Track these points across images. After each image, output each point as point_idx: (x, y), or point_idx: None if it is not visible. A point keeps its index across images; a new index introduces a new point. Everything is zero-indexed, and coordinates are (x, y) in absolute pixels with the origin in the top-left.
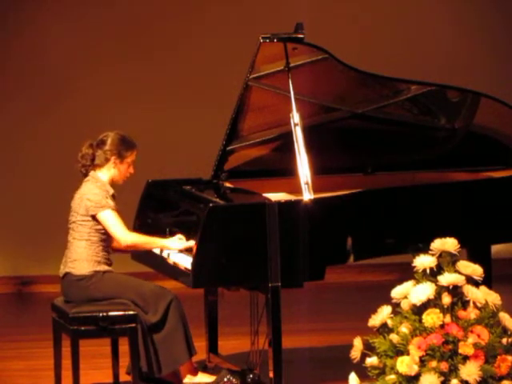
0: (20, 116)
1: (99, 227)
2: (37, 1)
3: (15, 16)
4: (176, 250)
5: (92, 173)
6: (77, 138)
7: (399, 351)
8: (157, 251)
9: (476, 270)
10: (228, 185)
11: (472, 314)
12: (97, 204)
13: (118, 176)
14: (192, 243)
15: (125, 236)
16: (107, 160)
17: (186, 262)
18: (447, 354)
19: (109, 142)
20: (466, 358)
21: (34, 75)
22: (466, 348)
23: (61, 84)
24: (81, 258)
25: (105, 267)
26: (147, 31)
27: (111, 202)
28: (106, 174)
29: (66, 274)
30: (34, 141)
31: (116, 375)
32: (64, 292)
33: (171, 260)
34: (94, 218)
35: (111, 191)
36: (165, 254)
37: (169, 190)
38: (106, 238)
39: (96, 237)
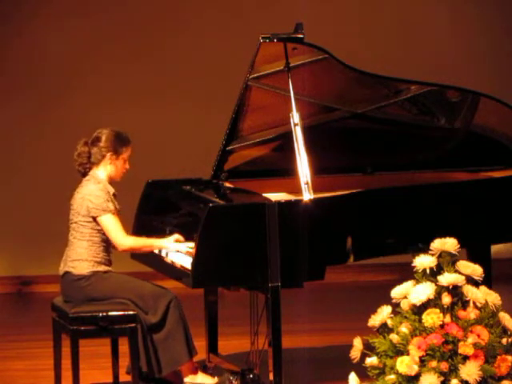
0: (20, 116)
1: (100, 228)
2: (37, 0)
3: (15, 16)
4: (174, 250)
5: (92, 172)
6: (77, 137)
7: (399, 351)
8: (160, 253)
9: (476, 270)
10: (228, 185)
11: (472, 314)
12: (98, 207)
13: (114, 172)
14: (190, 245)
15: (122, 240)
16: (103, 157)
17: (185, 262)
18: (447, 354)
19: (104, 138)
20: (465, 358)
21: (33, 75)
22: (465, 348)
23: (61, 84)
24: (81, 258)
25: (104, 267)
26: (147, 31)
27: (111, 206)
28: (103, 171)
29: (66, 273)
30: (34, 141)
31: (116, 375)
32: (63, 291)
33: (169, 259)
34: (94, 219)
35: (112, 191)
36: (163, 254)
37: (169, 190)
38: (107, 239)
39: (97, 237)
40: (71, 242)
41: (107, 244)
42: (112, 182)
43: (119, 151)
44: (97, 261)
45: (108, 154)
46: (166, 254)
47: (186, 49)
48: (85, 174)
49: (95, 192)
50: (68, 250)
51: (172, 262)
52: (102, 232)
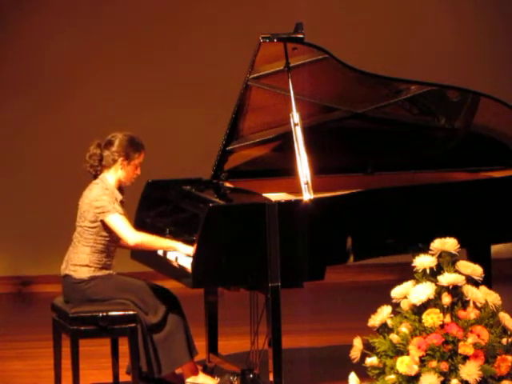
0: (20, 117)
1: (105, 234)
2: (37, 1)
3: (15, 16)
4: (183, 253)
5: (101, 176)
6: (77, 138)
7: (399, 351)
8: (160, 252)
9: (476, 270)
10: (228, 185)
11: (472, 313)
12: (104, 209)
13: (125, 177)
14: None
15: (132, 236)
16: (114, 161)
17: (185, 262)
18: (447, 354)
19: (117, 143)
20: (465, 358)
21: (33, 76)
22: (465, 348)
23: (61, 84)
24: (82, 263)
25: (105, 272)
26: (147, 31)
27: (118, 207)
28: (113, 175)
29: (66, 276)
30: (34, 141)
31: (116, 375)
32: (64, 292)
33: (177, 262)
34: (103, 223)
35: (119, 197)
36: (172, 257)
37: (169, 190)
38: (111, 244)
39: (101, 244)
40: (75, 244)
41: (110, 250)
42: (121, 186)
43: (131, 157)
44: (98, 267)
45: (120, 159)
46: (176, 259)
47: (186, 49)
48: (96, 176)
49: (101, 197)
50: (70, 251)
51: (173, 262)
52: (106, 239)
